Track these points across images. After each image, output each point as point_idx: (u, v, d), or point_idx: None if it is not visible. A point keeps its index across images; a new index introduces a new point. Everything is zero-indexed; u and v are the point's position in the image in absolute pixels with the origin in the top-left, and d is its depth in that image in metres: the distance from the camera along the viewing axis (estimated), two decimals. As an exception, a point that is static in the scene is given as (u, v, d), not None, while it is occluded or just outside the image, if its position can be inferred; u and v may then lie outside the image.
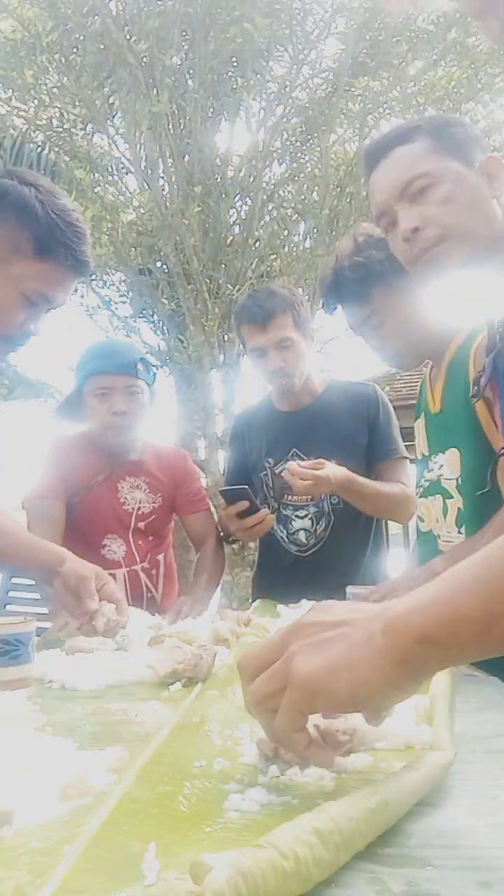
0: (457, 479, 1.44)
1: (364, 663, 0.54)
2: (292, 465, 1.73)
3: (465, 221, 1.13)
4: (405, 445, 1.97)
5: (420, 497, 1.56)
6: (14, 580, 2.81)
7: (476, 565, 0.53)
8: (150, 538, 1.95)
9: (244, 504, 1.80)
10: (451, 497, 1.45)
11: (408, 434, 1.98)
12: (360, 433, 1.92)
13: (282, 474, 1.80)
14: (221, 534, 2.00)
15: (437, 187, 1.14)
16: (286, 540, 1.97)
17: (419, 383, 1.63)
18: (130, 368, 1.87)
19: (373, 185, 1.24)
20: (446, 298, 1.53)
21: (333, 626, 0.58)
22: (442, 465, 1.49)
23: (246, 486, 1.85)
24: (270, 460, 1.98)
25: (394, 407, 2.02)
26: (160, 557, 1.98)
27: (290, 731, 0.57)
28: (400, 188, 1.17)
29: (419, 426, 1.61)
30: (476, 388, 1.28)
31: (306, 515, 1.94)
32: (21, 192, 1.22)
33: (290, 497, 1.95)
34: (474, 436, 1.39)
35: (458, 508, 1.40)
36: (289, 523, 1.96)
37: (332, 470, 1.73)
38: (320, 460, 1.75)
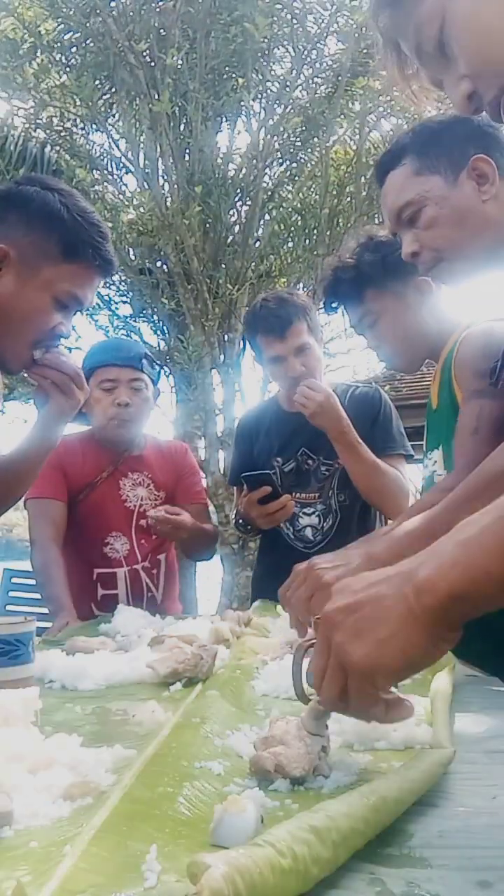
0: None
1: (406, 628, 0.57)
2: (305, 385, 1.80)
3: (453, 240, 1.20)
4: (411, 446, 1.98)
5: (423, 493, 1.57)
6: (14, 580, 2.81)
7: (490, 524, 0.56)
8: (154, 536, 1.96)
9: (267, 489, 1.83)
10: None
11: (409, 435, 1.99)
12: (365, 434, 1.94)
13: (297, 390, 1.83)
14: (240, 521, 1.98)
15: (422, 212, 1.22)
16: (292, 537, 1.99)
17: (421, 382, 1.67)
18: (135, 362, 1.92)
19: (382, 208, 1.35)
20: (450, 299, 1.55)
21: (360, 605, 0.60)
22: (435, 462, 1.52)
23: (269, 472, 1.89)
24: (279, 459, 2.00)
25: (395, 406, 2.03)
26: (161, 557, 1.99)
27: (368, 711, 0.61)
28: (394, 217, 1.27)
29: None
30: (495, 376, 1.27)
31: (314, 512, 1.97)
32: (45, 197, 1.25)
33: (297, 494, 1.96)
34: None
35: None
36: (296, 520, 1.98)
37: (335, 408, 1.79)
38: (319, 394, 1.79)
